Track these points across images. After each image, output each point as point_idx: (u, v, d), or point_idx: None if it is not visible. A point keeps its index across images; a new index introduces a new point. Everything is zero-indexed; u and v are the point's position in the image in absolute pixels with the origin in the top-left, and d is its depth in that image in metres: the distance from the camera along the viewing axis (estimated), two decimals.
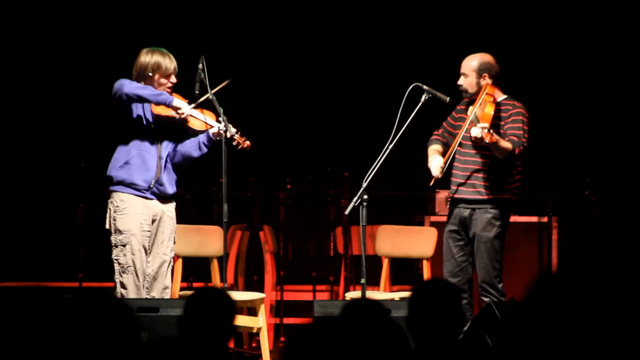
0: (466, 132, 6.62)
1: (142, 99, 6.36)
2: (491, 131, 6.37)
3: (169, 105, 6.40)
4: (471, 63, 6.70)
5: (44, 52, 9.63)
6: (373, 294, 7.29)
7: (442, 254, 6.86)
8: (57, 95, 9.66)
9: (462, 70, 6.72)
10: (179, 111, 6.42)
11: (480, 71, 6.66)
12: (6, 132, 9.66)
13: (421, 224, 8.31)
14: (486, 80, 6.65)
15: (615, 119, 9.65)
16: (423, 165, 6.75)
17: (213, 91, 6.54)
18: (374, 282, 7.77)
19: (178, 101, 6.43)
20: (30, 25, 9.62)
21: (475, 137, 6.41)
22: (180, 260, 7.34)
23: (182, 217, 6.73)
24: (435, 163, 6.75)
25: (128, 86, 6.31)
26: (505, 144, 6.52)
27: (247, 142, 6.61)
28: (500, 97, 6.75)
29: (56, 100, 9.66)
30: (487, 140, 6.34)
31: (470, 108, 6.66)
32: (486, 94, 6.60)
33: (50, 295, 3.13)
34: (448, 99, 6.73)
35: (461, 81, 6.72)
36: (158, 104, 6.39)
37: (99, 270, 8.29)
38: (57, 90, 9.66)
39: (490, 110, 6.50)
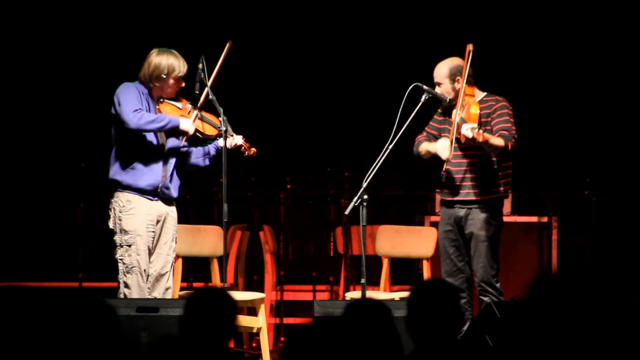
0: (457, 134, 6.60)
1: (150, 132, 6.37)
2: (481, 130, 6.38)
3: (177, 127, 6.41)
4: (441, 71, 6.74)
5: (45, 53, 9.63)
6: (373, 294, 7.29)
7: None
8: (57, 96, 9.66)
9: (435, 79, 6.76)
10: (187, 134, 6.47)
11: (453, 75, 6.70)
12: (6, 132, 9.66)
13: (421, 224, 8.31)
14: (460, 83, 6.64)
15: (615, 119, 9.65)
16: (423, 166, 6.75)
17: (220, 61, 6.55)
18: (374, 282, 7.77)
19: (183, 122, 6.43)
20: (31, 25, 9.62)
21: (467, 138, 6.41)
22: (180, 260, 7.34)
23: (182, 217, 6.74)
24: (442, 144, 6.67)
25: (137, 121, 6.24)
26: (497, 140, 6.52)
27: (253, 149, 6.64)
28: (480, 95, 6.77)
29: (56, 101, 9.66)
30: (479, 139, 6.35)
31: (454, 112, 6.62)
32: (466, 94, 6.60)
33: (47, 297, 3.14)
34: (448, 98, 6.73)
35: (437, 90, 6.75)
36: (167, 133, 6.41)
37: (99, 270, 8.30)
38: (57, 91, 9.66)
39: (475, 109, 6.52)
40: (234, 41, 6.60)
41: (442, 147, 6.66)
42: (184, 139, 6.51)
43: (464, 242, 6.75)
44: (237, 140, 6.58)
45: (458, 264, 6.76)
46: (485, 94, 6.78)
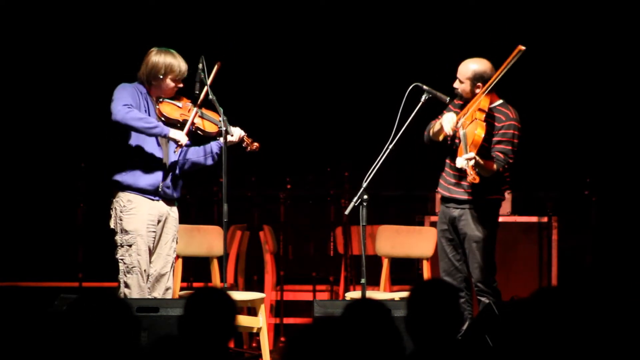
0: (457, 137, 6.58)
1: (135, 130, 6.31)
2: (475, 160, 6.29)
3: (165, 137, 6.37)
4: (466, 71, 6.61)
5: (44, 52, 9.63)
6: (373, 294, 7.29)
7: None
8: (57, 95, 9.66)
9: (458, 75, 6.66)
10: (179, 143, 6.40)
11: (475, 80, 6.59)
12: (6, 132, 9.66)
13: (421, 224, 8.31)
14: (480, 90, 6.59)
15: (615, 119, 9.65)
16: (423, 166, 6.75)
17: (209, 81, 6.52)
18: (374, 282, 7.77)
19: (174, 132, 6.38)
20: (31, 25, 9.62)
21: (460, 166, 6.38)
22: (180, 260, 7.34)
23: (183, 217, 6.73)
24: (449, 117, 6.59)
25: (123, 114, 6.20)
26: (489, 165, 6.48)
27: (256, 144, 6.63)
28: (495, 102, 6.69)
29: (56, 100, 9.66)
30: (469, 179, 6.31)
31: (462, 120, 6.57)
32: (479, 109, 6.51)
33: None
34: (448, 99, 6.71)
35: (456, 85, 6.69)
36: (152, 135, 6.35)
37: (99, 270, 8.30)
38: (57, 90, 9.66)
39: (480, 132, 6.40)
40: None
41: (447, 120, 6.59)
42: (177, 149, 6.46)
43: (460, 242, 6.74)
44: (238, 132, 6.55)
45: (456, 263, 6.75)
46: (501, 102, 6.68)
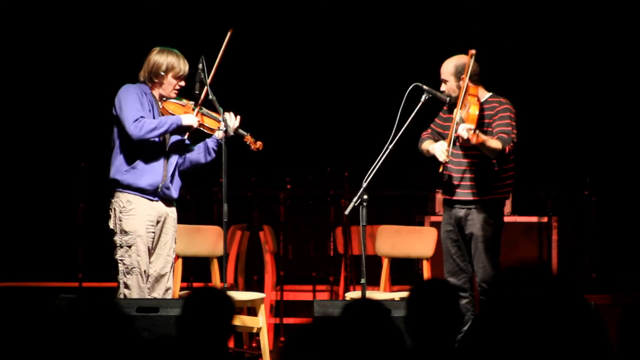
0: (455, 133, 6.60)
1: (154, 138, 6.36)
2: (477, 132, 6.35)
3: (180, 126, 6.40)
4: (448, 68, 6.70)
5: (45, 53, 9.63)
6: (373, 294, 7.29)
7: (442, 253, 6.87)
8: (57, 95, 9.66)
9: (442, 76, 6.73)
10: (191, 128, 6.47)
11: (458, 73, 6.65)
12: (6, 132, 9.67)
13: (421, 224, 8.31)
14: (466, 82, 6.62)
15: (615, 119, 9.65)
16: (423, 166, 6.75)
17: (220, 52, 6.55)
18: (374, 282, 7.77)
19: (185, 118, 6.43)
20: (31, 26, 9.62)
21: (462, 138, 6.42)
22: (180, 260, 7.34)
23: (182, 217, 6.73)
24: (439, 147, 6.65)
25: (138, 133, 6.24)
26: (494, 143, 6.50)
27: (259, 143, 6.65)
28: (485, 95, 6.74)
29: (56, 100, 9.66)
30: (473, 141, 6.33)
31: (455, 110, 6.62)
32: (469, 94, 6.57)
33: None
34: (448, 98, 6.73)
35: (443, 87, 6.73)
36: (173, 132, 6.41)
37: (99, 270, 8.30)
38: (57, 90, 9.66)
39: (474, 110, 6.47)
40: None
41: (440, 150, 6.65)
42: (188, 134, 6.53)
43: (465, 243, 6.74)
44: (235, 123, 6.58)
45: (460, 264, 6.76)
46: (490, 94, 6.75)
